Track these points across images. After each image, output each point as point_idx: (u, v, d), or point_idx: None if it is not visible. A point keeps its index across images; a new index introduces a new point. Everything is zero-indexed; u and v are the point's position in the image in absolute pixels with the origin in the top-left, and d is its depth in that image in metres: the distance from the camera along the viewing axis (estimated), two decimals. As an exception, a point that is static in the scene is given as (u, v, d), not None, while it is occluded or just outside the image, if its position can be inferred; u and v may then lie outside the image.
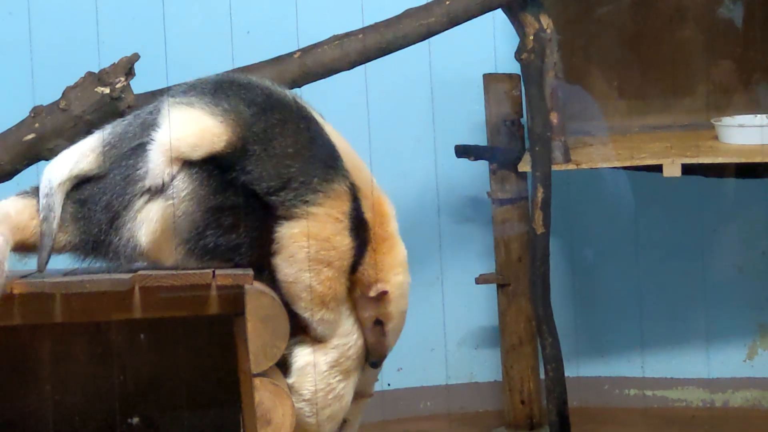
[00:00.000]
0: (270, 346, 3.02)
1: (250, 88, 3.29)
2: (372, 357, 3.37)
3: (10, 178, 4.14)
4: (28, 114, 4.21)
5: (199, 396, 3.39)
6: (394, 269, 3.31)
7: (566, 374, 4.81)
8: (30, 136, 4.17)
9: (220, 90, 3.26)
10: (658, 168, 4.80)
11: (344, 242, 3.23)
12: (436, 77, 5.37)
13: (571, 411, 4.83)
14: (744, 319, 5.50)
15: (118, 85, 4.10)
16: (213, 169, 3.19)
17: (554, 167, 4.78)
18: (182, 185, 3.18)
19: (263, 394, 3.00)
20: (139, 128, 3.26)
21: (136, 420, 3.31)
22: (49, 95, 4.22)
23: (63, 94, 4.17)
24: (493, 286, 5.34)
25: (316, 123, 3.30)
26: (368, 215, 3.28)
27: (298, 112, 3.29)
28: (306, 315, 3.23)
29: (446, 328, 5.44)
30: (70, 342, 3.38)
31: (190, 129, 3.18)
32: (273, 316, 3.03)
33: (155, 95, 3.61)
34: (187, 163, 3.18)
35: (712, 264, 5.47)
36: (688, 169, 4.82)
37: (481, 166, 5.35)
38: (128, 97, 4.13)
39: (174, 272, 3.09)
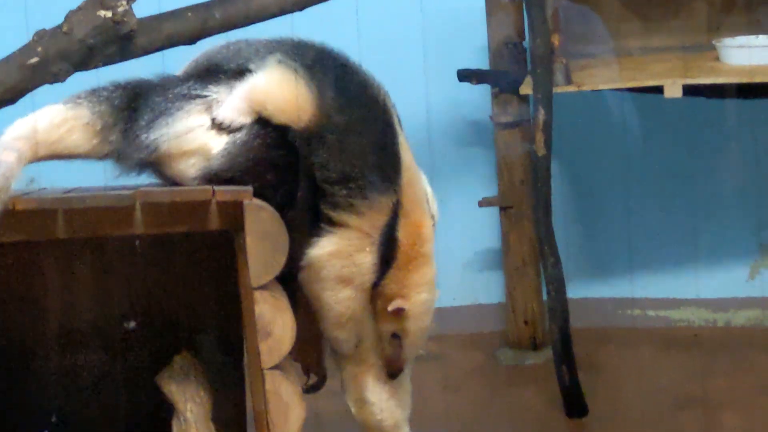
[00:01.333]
0: (270, 260, 3.05)
1: (347, 74, 3.29)
2: (388, 369, 3.38)
3: (14, 102, 4.16)
4: (30, 38, 4.22)
5: (201, 311, 3.43)
6: (417, 287, 3.29)
7: (569, 295, 4.84)
8: (33, 60, 4.17)
9: (320, 65, 3.25)
10: (660, 89, 4.80)
11: (366, 259, 3.23)
12: (438, 1, 5.38)
13: (574, 332, 4.85)
14: (746, 239, 5.52)
15: (120, 9, 4.10)
16: (279, 137, 3.21)
17: (556, 89, 4.78)
18: (244, 138, 3.18)
19: (263, 308, 3.04)
20: (232, 55, 3.27)
21: (132, 324, 3.35)
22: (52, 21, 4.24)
23: (66, 17, 4.17)
24: (496, 209, 5.37)
25: (393, 130, 3.28)
26: (401, 234, 3.25)
27: (382, 115, 3.28)
28: (324, 332, 3.29)
29: (450, 251, 5.47)
30: (72, 259, 3.41)
31: (284, 93, 3.18)
32: (272, 230, 3.06)
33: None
34: (261, 121, 3.19)
35: (715, 185, 5.48)
36: (689, 90, 4.82)
37: (484, 90, 5.36)
38: (130, 20, 4.13)
39: (174, 189, 3.12)
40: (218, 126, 3.17)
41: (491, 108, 5.26)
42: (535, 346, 5.38)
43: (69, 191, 3.21)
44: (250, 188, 3.12)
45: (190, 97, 3.19)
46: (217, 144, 3.17)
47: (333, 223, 3.22)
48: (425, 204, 3.34)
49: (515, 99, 5.20)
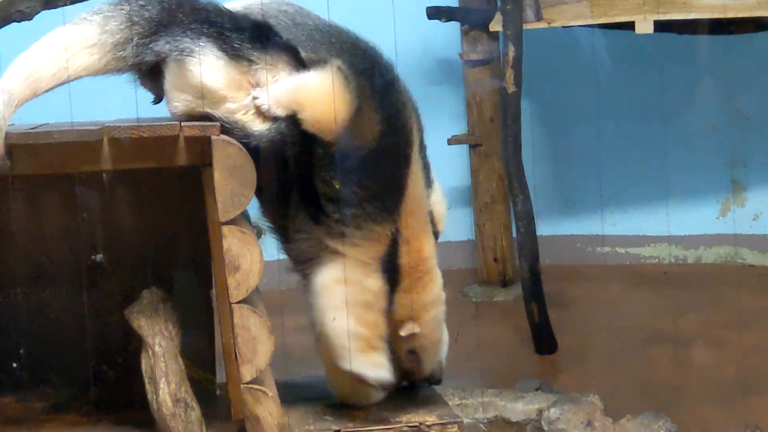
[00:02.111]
0: (237, 195, 3.03)
1: (388, 97, 3.22)
2: (411, 379, 3.37)
3: (-21, 40, 4.11)
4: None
5: (169, 246, 3.42)
6: (426, 307, 3.26)
7: (539, 233, 4.86)
8: (-1, -2, 4.13)
9: (369, 81, 3.19)
10: (631, 25, 4.79)
11: (377, 284, 3.20)
12: (407, -63, 5.35)
13: (543, 268, 4.87)
14: (717, 176, 5.54)
15: (86, -55, 4.06)
16: (300, 137, 3.17)
17: (526, 26, 4.77)
18: (271, 134, 3.15)
19: (231, 242, 3.02)
20: (290, 26, 3.23)
21: (100, 256, 3.34)
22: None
23: (32, -46, 4.12)
24: (465, 146, 5.37)
25: (407, 159, 3.22)
26: (403, 260, 3.21)
27: (403, 145, 3.22)
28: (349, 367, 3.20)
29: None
30: (40, 195, 3.39)
31: (327, 107, 3.13)
32: (240, 165, 3.04)
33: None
34: (291, 119, 3.16)
35: (686, 122, 5.49)
36: (661, 26, 4.82)
37: (453, 27, 5.33)
38: (96, -43, 4.08)
39: (142, 124, 3.10)
40: (247, 107, 3.13)
41: (461, 45, 5.24)
42: (505, 283, 5.40)
43: (36, 127, 3.18)
44: (217, 124, 3.10)
45: (233, 51, 3.13)
46: (245, 118, 3.14)
47: (331, 251, 3.20)
48: (428, 227, 3.28)
49: (485, 36, 5.19)
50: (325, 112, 3.14)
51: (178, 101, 3.17)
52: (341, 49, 3.25)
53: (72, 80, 3.14)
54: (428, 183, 3.34)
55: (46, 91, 3.11)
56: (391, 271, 3.21)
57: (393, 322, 3.24)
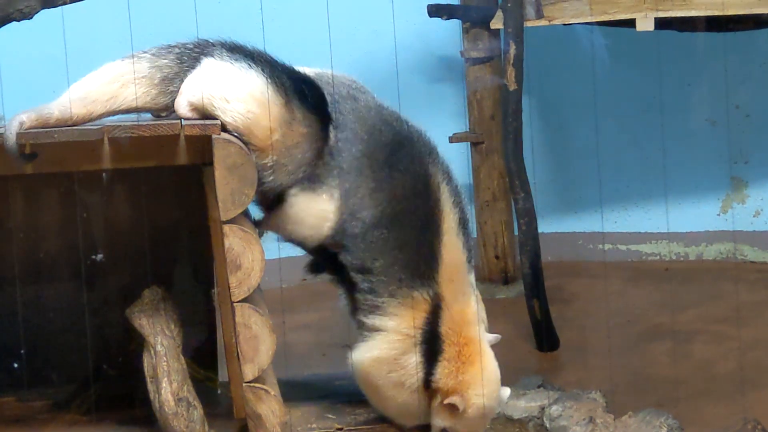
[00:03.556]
0: (238, 193, 3.04)
1: (415, 163, 3.19)
2: None
3: (-18, 39, 4.13)
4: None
5: (169, 244, 3.43)
6: (475, 386, 3.16)
7: (540, 230, 4.86)
8: (-1, -3, 4.13)
9: (380, 152, 3.18)
10: (632, 23, 4.79)
11: (411, 360, 3.14)
12: (408, -65, 5.36)
13: (545, 265, 4.88)
14: (718, 173, 5.54)
15: (85, -55, 4.06)
16: None
17: (527, 23, 4.77)
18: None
19: (233, 240, 3.03)
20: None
21: (101, 256, 3.35)
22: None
23: (32, -45, 4.13)
24: (467, 144, 5.37)
25: (436, 221, 3.17)
26: (444, 328, 3.14)
27: (427, 197, 3.17)
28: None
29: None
30: (40, 193, 3.40)
31: (317, 224, 3.17)
32: (240, 164, 3.04)
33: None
34: None
35: (686, 118, 5.49)
36: (661, 24, 4.82)
37: (454, 25, 5.34)
38: (96, -44, 4.09)
39: (142, 123, 3.10)
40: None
41: (462, 43, 5.24)
42: (506, 280, 5.41)
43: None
44: (218, 122, 3.10)
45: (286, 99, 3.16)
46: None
47: (369, 328, 3.16)
48: (470, 291, 3.21)
49: (486, 34, 5.19)
50: (317, 230, 3.17)
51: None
52: (371, 123, 3.24)
53: (123, 111, 3.23)
54: (470, 261, 3.26)
55: (101, 116, 3.19)
56: (431, 342, 3.14)
57: (439, 394, 3.16)
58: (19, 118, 3.03)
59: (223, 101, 3.13)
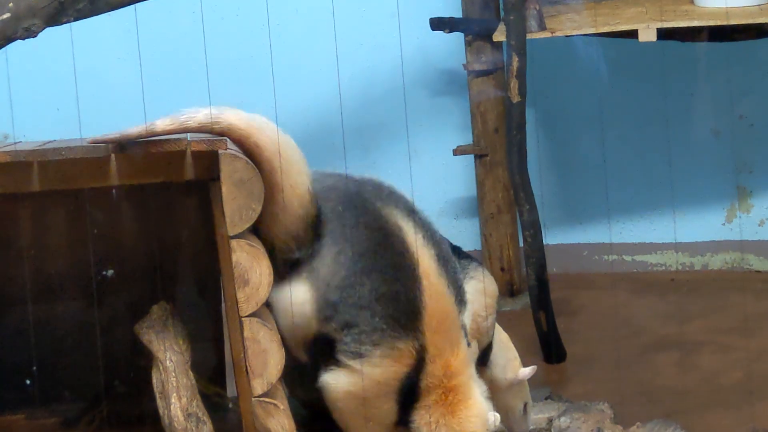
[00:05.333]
0: (245, 208, 3.04)
1: (350, 214, 3.15)
2: None
3: (-15, 58, 4.14)
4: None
5: (177, 260, 3.43)
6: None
7: (545, 242, 4.86)
8: (5, 16, 4.14)
9: (331, 217, 3.14)
10: (634, 34, 4.80)
11: (385, 406, 3.11)
12: (409, -51, 5.37)
13: (551, 277, 4.88)
14: (722, 183, 5.54)
15: (89, -37, 4.07)
16: None
17: (529, 35, 4.78)
18: None
19: (240, 256, 3.03)
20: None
21: (110, 272, 3.36)
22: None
23: (35, -28, 4.14)
24: (471, 157, 5.38)
25: (410, 262, 3.09)
26: (425, 382, 3.09)
27: (388, 244, 3.11)
28: None
29: (425, 199, 5.48)
30: (48, 211, 3.41)
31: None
32: (247, 179, 3.05)
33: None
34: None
35: (690, 129, 5.49)
36: (663, 34, 4.82)
37: (457, 38, 5.34)
38: (99, -26, 4.10)
39: (150, 139, 3.11)
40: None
41: (465, 56, 5.25)
42: (512, 293, 5.40)
43: (44, 144, 3.20)
44: (225, 138, 3.11)
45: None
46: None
47: (348, 368, 3.13)
48: (459, 340, 3.13)
49: (489, 46, 5.19)
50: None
51: None
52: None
53: None
54: (460, 299, 3.20)
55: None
56: (410, 393, 3.12)
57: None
58: None
59: None
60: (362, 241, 3.13)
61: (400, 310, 3.09)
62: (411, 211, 3.21)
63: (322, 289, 3.10)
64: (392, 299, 3.09)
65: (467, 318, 3.26)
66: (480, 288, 3.42)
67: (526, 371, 3.26)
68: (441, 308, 3.12)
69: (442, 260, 3.18)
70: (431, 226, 3.22)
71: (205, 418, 3.04)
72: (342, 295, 3.09)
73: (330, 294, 3.09)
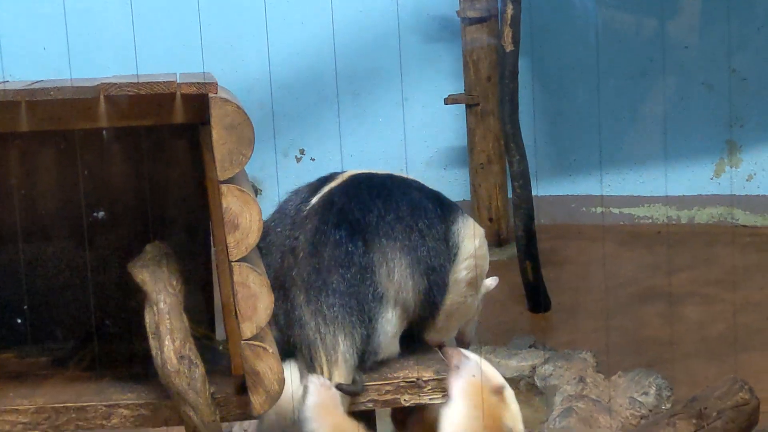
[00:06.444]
0: (236, 153, 3.02)
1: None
2: None
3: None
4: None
5: (168, 203, 3.42)
6: None
7: (535, 193, 4.88)
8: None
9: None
10: (629, -16, 4.80)
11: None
12: None
13: (538, 228, 4.90)
14: (712, 137, 5.55)
15: None
16: None
17: (524, -16, 4.77)
18: None
19: (230, 200, 3.02)
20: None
21: (101, 213, 3.35)
22: None
23: None
24: (462, 106, 5.37)
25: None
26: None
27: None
28: None
29: (415, 148, 5.49)
30: (38, 152, 3.39)
31: None
32: (238, 123, 3.02)
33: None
34: None
35: (682, 81, 5.49)
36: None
37: (451, -15, 5.34)
38: None
39: (138, 81, 3.09)
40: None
41: (458, 3, 5.23)
42: (500, 243, 5.42)
43: (32, 84, 3.17)
44: (215, 81, 3.09)
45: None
46: None
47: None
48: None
49: (482, -6, 5.19)
50: None
51: None
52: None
53: None
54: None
55: None
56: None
57: None
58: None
59: None
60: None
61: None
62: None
63: None
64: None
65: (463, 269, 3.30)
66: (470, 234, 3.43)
67: (488, 282, 3.32)
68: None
69: (417, 264, 3.24)
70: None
71: (198, 361, 3.04)
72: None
73: None
